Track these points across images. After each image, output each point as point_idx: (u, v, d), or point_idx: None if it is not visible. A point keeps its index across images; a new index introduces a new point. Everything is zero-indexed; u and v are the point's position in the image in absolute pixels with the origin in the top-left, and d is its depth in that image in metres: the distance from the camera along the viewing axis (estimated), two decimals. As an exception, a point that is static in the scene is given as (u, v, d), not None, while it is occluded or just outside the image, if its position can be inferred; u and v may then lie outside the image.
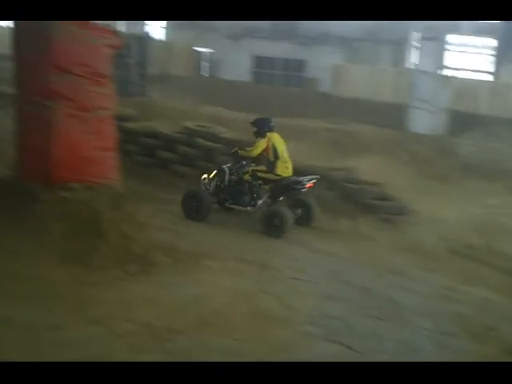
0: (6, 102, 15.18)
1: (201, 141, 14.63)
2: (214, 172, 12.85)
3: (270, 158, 12.62)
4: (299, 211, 12.77)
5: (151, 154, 15.01)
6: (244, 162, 12.79)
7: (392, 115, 24.38)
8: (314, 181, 12.71)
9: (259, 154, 12.68)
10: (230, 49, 35.43)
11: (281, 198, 12.68)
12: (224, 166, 12.83)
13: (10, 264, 7.37)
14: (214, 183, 12.76)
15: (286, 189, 12.61)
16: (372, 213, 13.39)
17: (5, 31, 16.40)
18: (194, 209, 12.34)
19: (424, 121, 22.79)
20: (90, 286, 7.30)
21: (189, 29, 35.20)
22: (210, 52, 35.94)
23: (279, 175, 12.56)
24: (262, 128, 12.80)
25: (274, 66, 36.49)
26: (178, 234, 10.07)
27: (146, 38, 24.51)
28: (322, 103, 28.49)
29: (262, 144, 12.58)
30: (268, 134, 12.72)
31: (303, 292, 8.53)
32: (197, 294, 7.65)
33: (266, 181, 12.66)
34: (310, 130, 21.57)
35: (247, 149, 12.73)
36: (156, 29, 34.99)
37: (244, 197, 12.71)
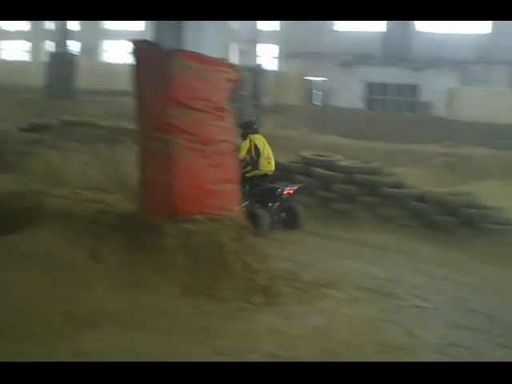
0: (126, 137, 15.72)
1: (318, 170, 14.65)
2: None
3: (253, 157, 13.73)
4: (283, 215, 13.82)
5: (268, 185, 15.10)
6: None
7: (510, 137, 23.87)
8: (294, 188, 13.69)
9: (245, 155, 13.79)
10: (341, 76, 35.47)
11: (270, 204, 13.65)
12: None
13: (136, 297, 7.51)
14: None
15: (266, 194, 13.64)
16: (493, 238, 13.13)
17: (125, 68, 16.89)
18: None
19: (545, 142, 22.29)
20: (215, 317, 7.37)
21: (300, 58, 35.44)
22: (322, 80, 36.02)
23: (263, 169, 13.69)
24: (246, 130, 13.93)
25: (386, 91, 36.31)
26: (300, 264, 10.07)
27: (258, 70, 24.77)
28: (437, 127, 28.16)
29: (244, 145, 13.74)
30: (250, 135, 13.82)
31: (427, 320, 8.36)
32: (321, 323, 7.59)
33: (252, 179, 13.69)
34: (425, 154, 21.35)
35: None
36: (267, 59, 35.30)
37: None
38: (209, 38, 8.53)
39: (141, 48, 8.66)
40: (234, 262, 8.03)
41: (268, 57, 36.62)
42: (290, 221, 13.81)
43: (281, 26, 38.98)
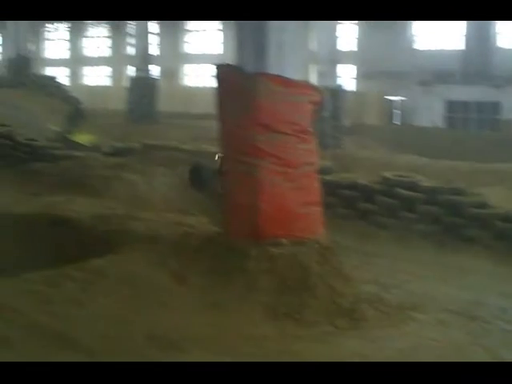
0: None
1: (400, 191, 14.50)
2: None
3: None
4: None
5: (351, 206, 15.01)
6: None
7: None
8: None
9: None
10: (421, 95, 35.19)
11: None
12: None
13: (221, 320, 7.52)
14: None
15: None
16: None
17: (205, 91, 17.08)
18: (196, 178, 15.67)
19: None
20: (300, 341, 7.31)
21: (379, 78, 35.33)
22: (402, 100, 35.81)
23: None
24: None
25: (467, 109, 35.84)
26: (384, 286, 9.96)
27: (338, 91, 24.79)
28: (521, 145, 27.64)
29: None
30: None
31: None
32: (406, 347, 7.47)
33: None
34: (510, 173, 20.95)
35: None
36: (346, 80, 35.28)
37: None
38: (291, 60, 8.56)
39: (224, 72, 8.75)
40: (319, 285, 7.97)
41: (346, 77, 36.53)
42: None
43: (358, 46, 38.97)
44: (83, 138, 20.48)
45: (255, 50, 8.41)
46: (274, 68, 8.34)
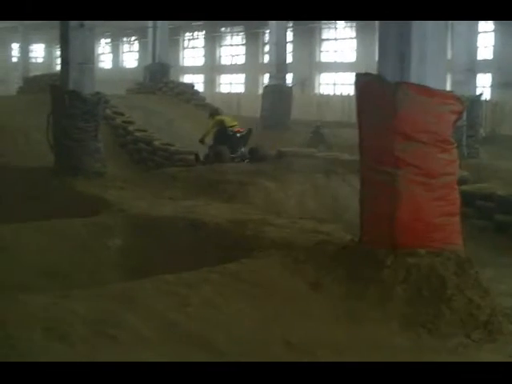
0: (341, 168, 15.89)
1: (539, 203, 14.15)
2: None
3: (221, 125, 20.45)
4: (247, 155, 20.26)
5: (487, 217, 14.73)
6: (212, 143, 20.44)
7: None
8: (243, 128, 20.64)
9: (213, 128, 20.61)
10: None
11: (242, 150, 20.38)
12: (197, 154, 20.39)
13: (355, 328, 7.54)
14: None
15: (226, 137, 20.06)
16: None
17: (337, 99, 17.08)
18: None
19: None
20: (434, 352, 7.24)
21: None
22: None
23: (228, 124, 20.43)
24: (211, 115, 21.55)
25: None
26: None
27: (474, 100, 24.26)
28: None
29: (210, 124, 20.95)
30: (215, 116, 21.20)
31: None
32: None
33: (228, 136, 20.15)
34: None
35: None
36: (481, 89, 34.57)
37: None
38: (432, 69, 8.49)
39: (364, 81, 8.75)
40: (455, 296, 7.87)
41: (481, 86, 35.77)
42: (254, 158, 19.83)
43: (494, 55, 38.10)
44: None
45: (397, 59, 8.38)
46: (415, 77, 8.29)
